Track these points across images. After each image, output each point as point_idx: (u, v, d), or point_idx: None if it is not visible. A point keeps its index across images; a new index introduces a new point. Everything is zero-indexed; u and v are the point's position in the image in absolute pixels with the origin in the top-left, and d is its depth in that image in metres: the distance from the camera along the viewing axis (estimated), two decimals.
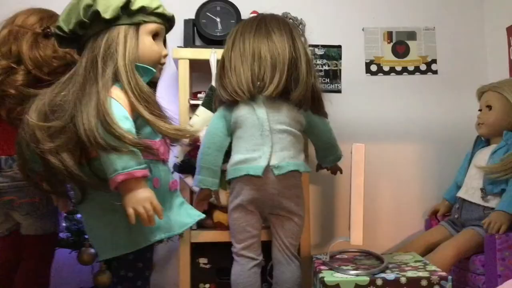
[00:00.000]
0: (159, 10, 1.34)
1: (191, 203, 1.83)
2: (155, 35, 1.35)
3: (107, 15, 1.24)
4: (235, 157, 1.59)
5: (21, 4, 1.53)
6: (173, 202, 1.36)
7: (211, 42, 1.97)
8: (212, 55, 1.82)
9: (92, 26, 1.27)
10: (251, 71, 1.54)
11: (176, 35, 2.00)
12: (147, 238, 1.24)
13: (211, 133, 1.62)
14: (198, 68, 1.94)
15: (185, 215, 1.37)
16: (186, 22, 1.98)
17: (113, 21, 1.26)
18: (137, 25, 1.30)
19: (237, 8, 1.99)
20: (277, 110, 1.57)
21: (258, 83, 1.55)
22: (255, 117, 1.56)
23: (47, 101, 1.24)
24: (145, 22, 1.31)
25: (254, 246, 1.60)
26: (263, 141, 1.54)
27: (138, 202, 1.15)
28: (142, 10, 1.29)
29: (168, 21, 1.40)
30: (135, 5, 1.28)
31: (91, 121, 1.16)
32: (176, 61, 1.86)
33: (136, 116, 1.23)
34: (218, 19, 1.99)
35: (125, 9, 1.27)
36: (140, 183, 1.16)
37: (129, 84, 1.22)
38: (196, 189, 1.77)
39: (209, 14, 1.98)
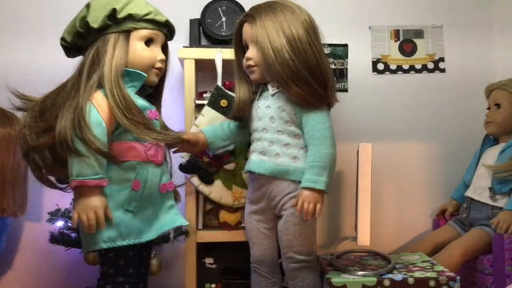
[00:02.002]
0: (149, 17, 1.37)
1: (197, 203, 1.84)
2: (149, 41, 1.39)
3: (95, 24, 1.32)
4: None
5: None
6: (162, 204, 1.40)
7: (216, 41, 1.97)
8: (218, 54, 1.81)
9: (88, 36, 1.35)
10: None
11: (181, 35, 2.00)
12: (112, 240, 1.27)
13: None
14: (204, 67, 1.94)
15: (168, 220, 1.41)
16: (192, 22, 1.97)
17: (103, 30, 1.33)
18: (128, 32, 1.35)
19: (242, 7, 1.98)
20: None
21: None
22: None
23: (39, 105, 1.32)
24: (135, 28, 1.35)
25: None
26: None
27: (84, 209, 1.22)
28: (130, 17, 1.34)
29: (164, 26, 1.42)
30: (122, 14, 1.33)
31: (66, 123, 1.23)
32: (181, 61, 1.86)
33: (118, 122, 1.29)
34: (223, 19, 1.99)
35: (113, 18, 1.33)
36: (91, 191, 1.22)
37: (111, 90, 1.27)
38: (201, 188, 1.77)
39: (214, 14, 1.98)
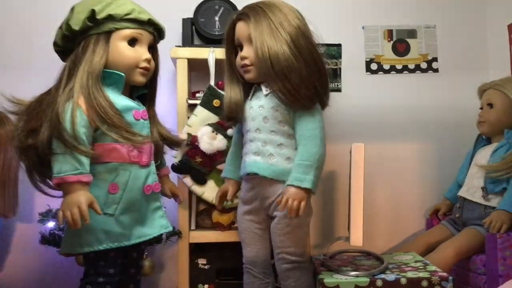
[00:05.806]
0: (131, 16, 1.35)
1: (190, 203, 1.83)
2: (133, 40, 1.37)
3: (77, 27, 1.31)
4: None
5: None
6: (148, 205, 1.39)
7: (209, 41, 1.96)
8: (210, 54, 1.81)
9: (74, 39, 1.34)
10: None
11: (174, 34, 1.99)
12: (89, 245, 1.28)
13: None
14: (197, 67, 1.93)
15: (153, 225, 1.39)
16: (185, 21, 1.97)
17: (85, 32, 1.32)
18: (109, 33, 1.34)
19: (235, 6, 1.97)
20: None
21: None
22: None
23: (28, 108, 1.31)
24: (117, 29, 1.34)
25: None
26: None
27: (67, 205, 1.21)
28: (111, 18, 1.33)
29: (149, 25, 1.39)
30: (102, 14, 1.32)
31: (46, 125, 1.24)
32: (174, 60, 1.85)
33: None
34: (216, 18, 1.98)
35: (93, 20, 1.31)
36: (73, 187, 1.22)
37: (88, 92, 1.27)
38: (194, 189, 1.77)
39: (207, 13, 1.97)
